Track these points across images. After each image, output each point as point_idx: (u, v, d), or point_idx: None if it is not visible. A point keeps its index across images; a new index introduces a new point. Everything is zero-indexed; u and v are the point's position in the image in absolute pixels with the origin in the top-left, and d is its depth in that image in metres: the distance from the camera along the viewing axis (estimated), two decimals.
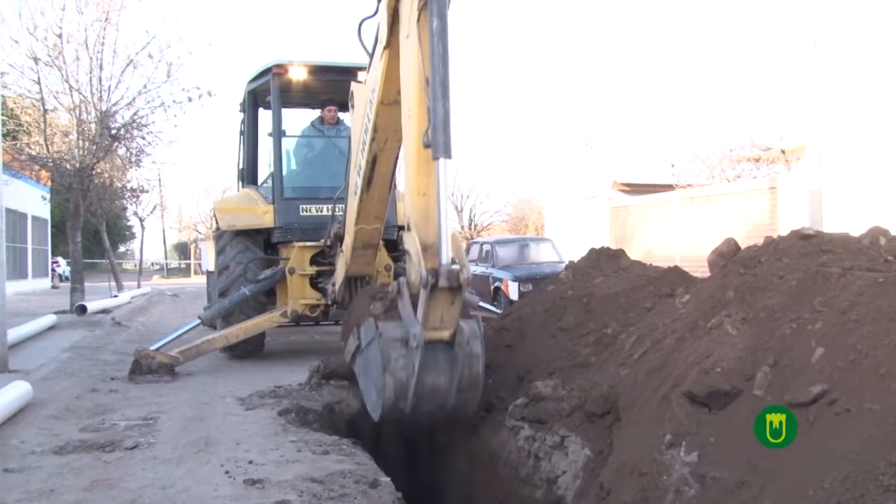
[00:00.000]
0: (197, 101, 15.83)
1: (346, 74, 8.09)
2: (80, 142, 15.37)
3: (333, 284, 8.00)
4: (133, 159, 18.72)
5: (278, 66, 8.85)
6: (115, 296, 19.09)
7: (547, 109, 77.18)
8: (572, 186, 28.63)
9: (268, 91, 9.13)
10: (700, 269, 5.68)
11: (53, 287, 29.87)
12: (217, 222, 9.26)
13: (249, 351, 9.01)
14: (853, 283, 3.35)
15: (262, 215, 8.90)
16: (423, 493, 5.65)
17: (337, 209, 7.55)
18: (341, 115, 9.49)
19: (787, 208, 17.08)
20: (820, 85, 13.21)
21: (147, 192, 26.37)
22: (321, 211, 8.66)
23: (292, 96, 9.63)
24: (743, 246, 4.49)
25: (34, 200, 24.41)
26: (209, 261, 11.11)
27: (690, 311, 4.21)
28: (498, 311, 9.91)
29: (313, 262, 8.56)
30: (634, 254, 9.06)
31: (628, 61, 74.83)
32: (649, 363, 3.99)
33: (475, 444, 5.06)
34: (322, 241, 8.25)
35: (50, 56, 14.82)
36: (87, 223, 20.24)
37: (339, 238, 7.39)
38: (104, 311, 15.04)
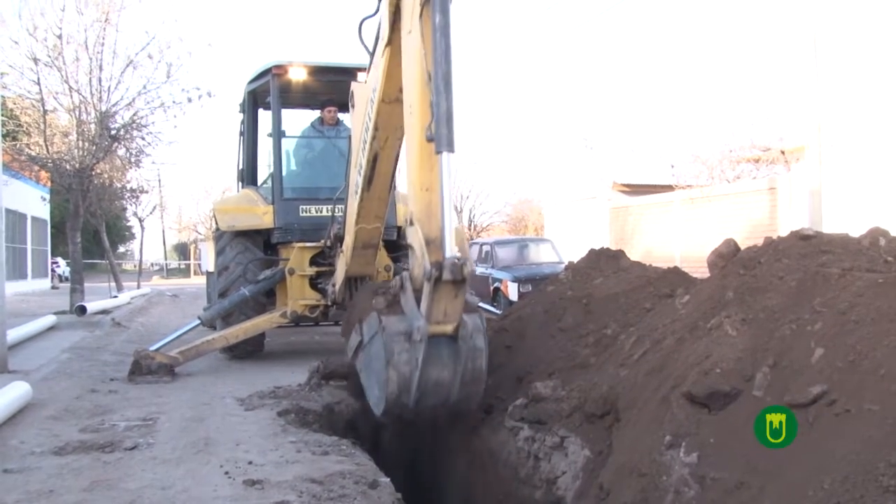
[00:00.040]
0: (197, 101, 15.84)
1: (346, 75, 8.09)
2: (80, 142, 15.36)
3: (333, 285, 8.00)
4: (133, 160, 18.72)
5: (278, 66, 8.85)
6: (115, 296, 19.08)
7: (547, 110, 77.31)
8: (572, 187, 28.65)
9: (267, 92, 9.13)
10: (700, 270, 5.68)
11: (53, 288, 29.86)
12: (217, 223, 9.26)
13: (249, 351, 9.01)
14: (853, 284, 3.34)
15: (262, 216, 8.90)
16: (423, 493, 5.65)
17: (337, 210, 7.55)
18: (341, 115, 9.49)
19: (787, 209, 17.09)
20: (819, 85, 13.21)
21: (147, 192, 26.33)
22: (321, 211, 8.66)
23: (292, 97, 9.63)
24: (742, 247, 4.49)
25: (34, 201, 24.42)
26: (209, 261, 11.10)
27: (690, 311, 4.21)
28: (497, 311, 9.91)
29: (313, 262, 8.56)
30: (634, 254, 9.08)
31: (628, 62, 74.91)
32: (649, 364, 3.99)
33: (475, 445, 5.06)
34: (322, 241, 8.26)
35: (50, 57, 14.82)
36: (87, 224, 20.24)
37: (339, 239, 7.39)
38: (104, 312, 15.03)
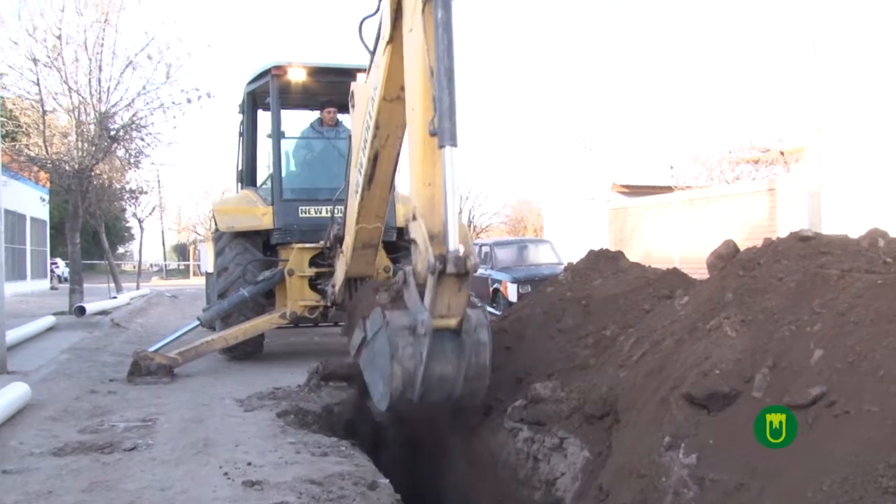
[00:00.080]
0: (196, 102, 15.84)
1: (345, 76, 8.09)
2: (79, 143, 15.36)
3: (333, 286, 8.00)
4: (132, 160, 18.73)
5: (277, 67, 8.85)
6: (114, 297, 19.07)
7: (546, 111, 77.32)
8: (571, 188, 28.63)
9: (267, 92, 9.14)
10: (699, 271, 5.67)
11: (52, 288, 29.84)
12: (216, 224, 9.26)
13: (248, 352, 9.00)
14: (852, 285, 3.35)
15: (261, 217, 8.90)
16: (422, 494, 5.64)
17: (336, 211, 7.55)
18: (340, 116, 9.49)
19: (786, 210, 17.10)
20: (819, 86, 13.23)
21: (146, 193, 26.34)
22: (320, 212, 8.66)
23: (291, 98, 9.63)
24: (742, 248, 4.49)
25: (33, 202, 24.42)
26: (208, 262, 11.09)
27: (689, 312, 4.21)
28: (497, 312, 9.91)
29: (312, 263, 8.56)
30: (633, 255, 9.07)
31: (627, 63, 74.94)
32: (648, 365, 3.99)
33: (474, 446, 5.06)
34: (321, 242, 8.26)
35: (49, 57, 14.82)
36: (86, 224, 20.26)
37: (339, 239, 7.39)
38: (103, 313, 15.03)
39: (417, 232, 4.35)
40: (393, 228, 8.30)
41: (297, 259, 8.55)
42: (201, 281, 22.23)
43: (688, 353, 3.70)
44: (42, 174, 21.70)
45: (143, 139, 17.06)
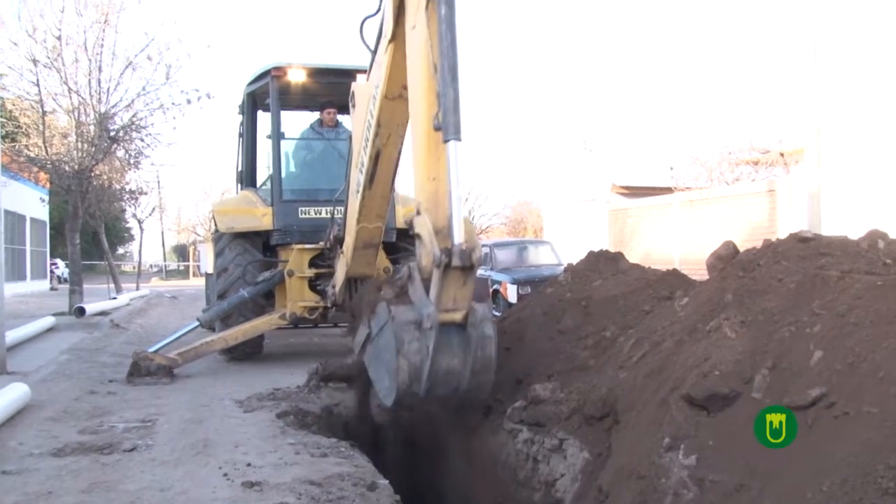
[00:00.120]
0: (196, 103, 15.85)
1: (345, 77, 8.09)
2: (79, 144, 15.36)
3: (333, 286, 8.01)
4: (132, 161, 18.74)
5: (277, 68, 8.86)
6: (114, 298, 19.08)
7: (546, 112, 77.30)
8: (571, 189, 28.64)
9: (267, 93, 9.14)
10: (699, 272, 5.68)
11: (52, 289, 29.84)
12: (216, 224, 9.26)
13: (248, 353, 9.01)
14: (852, 287, 3.34)
15: (261, 217, 8.90)
16: (422, 495, 5.64)
17: (336, 211, 7.55)
18: (340, 117, 9.50)
19: (786, 211, 17.10)
20: (819, 88, 13.23)
21: (146, 193, 26.37)
22: (320, 213, 8.66)
23: (291, 98, 9.63)
24: (741, 249, 4.49)
25: (33, 202, 24.42)
26: (208, 263, 11.10)
27: (689, 314, 4.21)
28: (497, 313, 9.91)
29: (312, 264, 8.56)
30: (633, 257, 9.06)
31: (627, 64, 74.99)
32: (648, 366, 3.99)
33: (473, 447, 5.06)
34: (321, 243, 8.26)
35: (49, 58, 14.82)
36: (86, 225, 20.25)
37: (339, 240, 7.40)
38: (103, 313, 15.03)
39: (422, 226, 4.35)
40: (392, 229, 8.30)
41: (296, 260, 8.55)
42: (201, 282, 22.23)
43: (687, 354, 3.70)
44: (42, 175, 21.71)
45: (142, 140, 17.10)
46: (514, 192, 56.92)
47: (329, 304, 8.33)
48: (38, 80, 14.96)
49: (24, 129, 15.88)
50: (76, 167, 15.36)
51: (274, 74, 8.85)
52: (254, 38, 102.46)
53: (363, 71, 6.26)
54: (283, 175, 9.14)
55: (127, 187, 22.53)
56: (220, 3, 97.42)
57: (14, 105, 15.89)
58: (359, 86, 6.26)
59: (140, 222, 33.90)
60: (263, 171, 10.04)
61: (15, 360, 8.70)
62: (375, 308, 4.61)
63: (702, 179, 21.62)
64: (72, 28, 14.91)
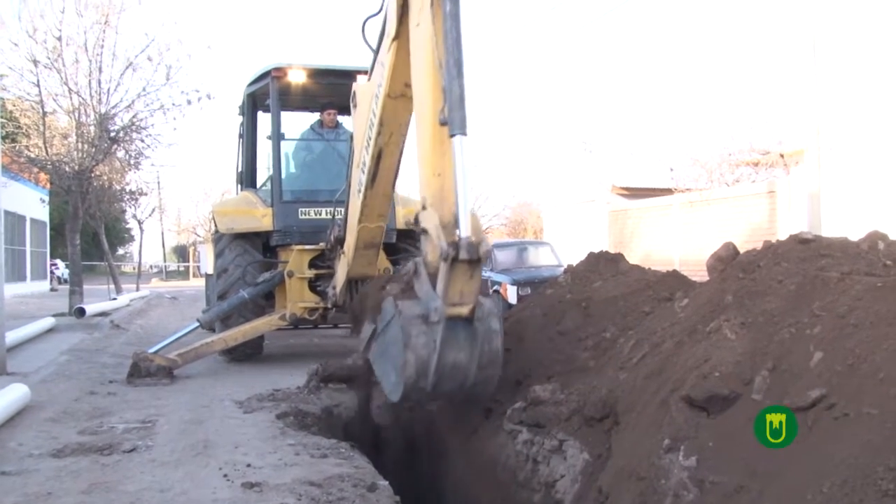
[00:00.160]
0: (196, 103, 15.87)
1: (346, 78, 8.10)
2: (79, 144, 15.37)
3: (334, 287, 8.01)
4: (132, 162, 18.77)
5: (277, 69, 8.87)
6: (114, 298, 19.08)
7: (546, 113, 77.33)
8: (571, 190, 28.64)
9: (267, 94, 9.15)
10: (699, 274, 5.68)
11: (52, 290, 29.85)
12: (216, 225, 9.27)
13: (248, 354, 9.01)
14: (852, 288, 3.34)
15: (261, 218, 8.91)
16: (422, 496, 5.64)
17: (336, 212, 7.56)
18: (340, 118, 9.50)
19: (786, 212, 17.10)
20: (819, 89, 13.23)
21: (146, 194, 26.37)
22: (320, 214, 8.67)
23: (291, 99, 9.64)
24: (742, 250, 4.49)
25: (33, 203, 24.42)
26: (208, 264, 11.11)
27: (689, 315, 4.21)
28: None
29: (312, 265, 8.57)
30: (633, 258, 9.05)
31: (628, 65, 75.01)
32: (648, 367, 3.99)
33: (473, 448, 5.05)
34: (321, 244, 8.26)
35: (49, 59, 14.83)
36: (86, 226, 20.24)
37: (339, 241, 7.40)
38: (103, 314, 15.04)
39: (429, 221, 4.33)
40: (393, 230, 8.31)
41: (296, 261, 8.55)
42: (201, 282, 22.23)
43: (687, 355, 3.70)
44: (42, 175, 21.71)
45: (143, 140, 17.12)
46: (514, 192, 56.93)
47: (329, 305, 8.33)
48: (38, 81, 14.98)
49: (24, 130, 15.88)
50: (76, 168, 15.37)
51: (274, 75, 8.85)
52: (254, 39, 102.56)
53: (363, 72, 6.27)
54: (283, 176, 9.15)
55: (127, 188, 22.55)
56: (220, 4, 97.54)
57: (14, 106, 15.90)
58: (360, 85, 6.28)
59: (140, 223, 33.90)
60: (263, 172, 10.06)
61: (15, 360, 8.70)
62: (381, 304, 4.60)
63: (702, 180, 21.62)
64: (72, 29, 14.95)
